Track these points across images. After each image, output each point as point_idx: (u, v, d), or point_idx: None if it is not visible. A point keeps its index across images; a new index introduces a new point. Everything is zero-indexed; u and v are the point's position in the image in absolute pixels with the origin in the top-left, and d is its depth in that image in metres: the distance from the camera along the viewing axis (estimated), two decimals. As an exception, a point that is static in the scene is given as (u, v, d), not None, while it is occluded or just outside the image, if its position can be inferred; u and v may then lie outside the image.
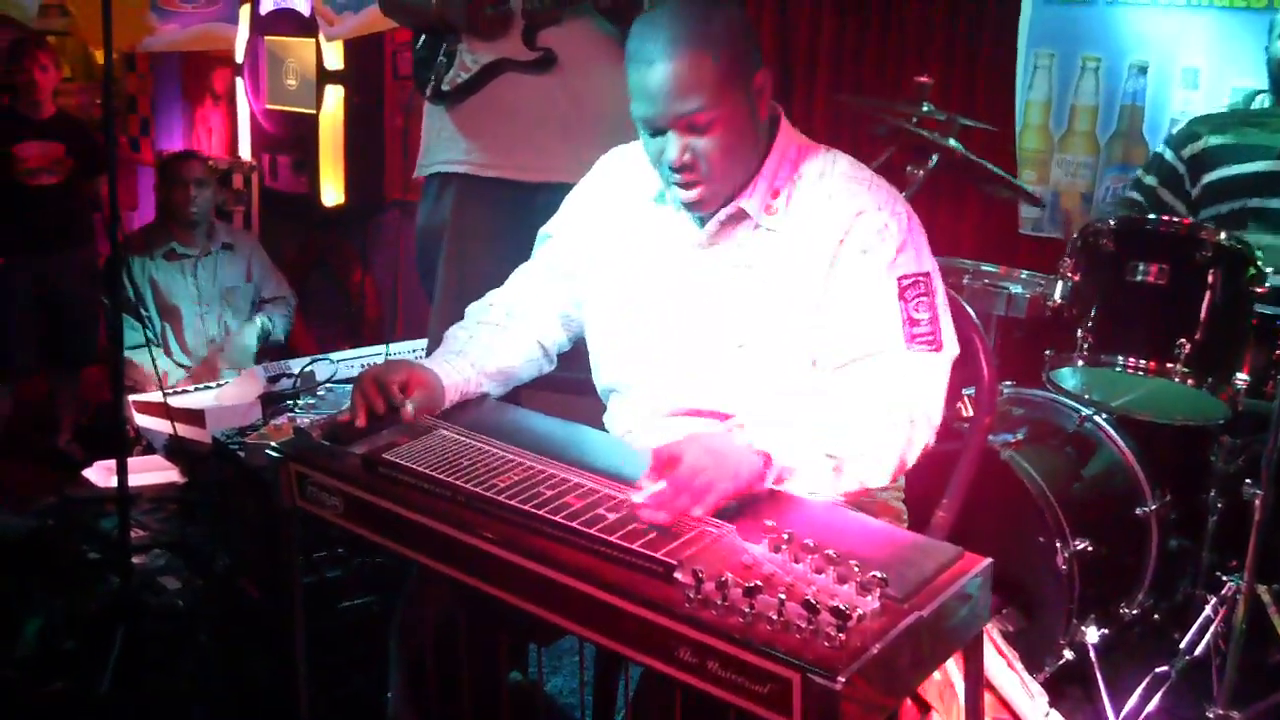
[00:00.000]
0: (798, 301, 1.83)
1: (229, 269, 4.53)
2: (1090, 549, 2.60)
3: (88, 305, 4.50)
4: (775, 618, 1.28)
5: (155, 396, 3.66)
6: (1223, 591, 2.66)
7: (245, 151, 5.96)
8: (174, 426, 3.38)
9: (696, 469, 1.51)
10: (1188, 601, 2.95)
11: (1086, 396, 2.90)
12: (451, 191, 2.98)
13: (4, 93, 4.64)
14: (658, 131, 1.79)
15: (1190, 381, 2.53)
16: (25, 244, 4.56)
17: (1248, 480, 2.59)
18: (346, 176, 5.48)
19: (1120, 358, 2.57)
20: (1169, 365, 2.52)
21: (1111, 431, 2.88)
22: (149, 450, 3.85)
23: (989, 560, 1.46)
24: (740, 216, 1.87)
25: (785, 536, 1.42)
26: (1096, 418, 2.89)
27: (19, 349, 4.68)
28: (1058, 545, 2.53)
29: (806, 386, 1.84)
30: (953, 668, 2.16)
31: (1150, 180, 3.25)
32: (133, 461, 3.30)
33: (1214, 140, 3.09)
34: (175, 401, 3.61)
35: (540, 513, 1.50)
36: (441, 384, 1.86)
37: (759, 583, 1.31)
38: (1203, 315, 2.55)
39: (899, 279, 1.80)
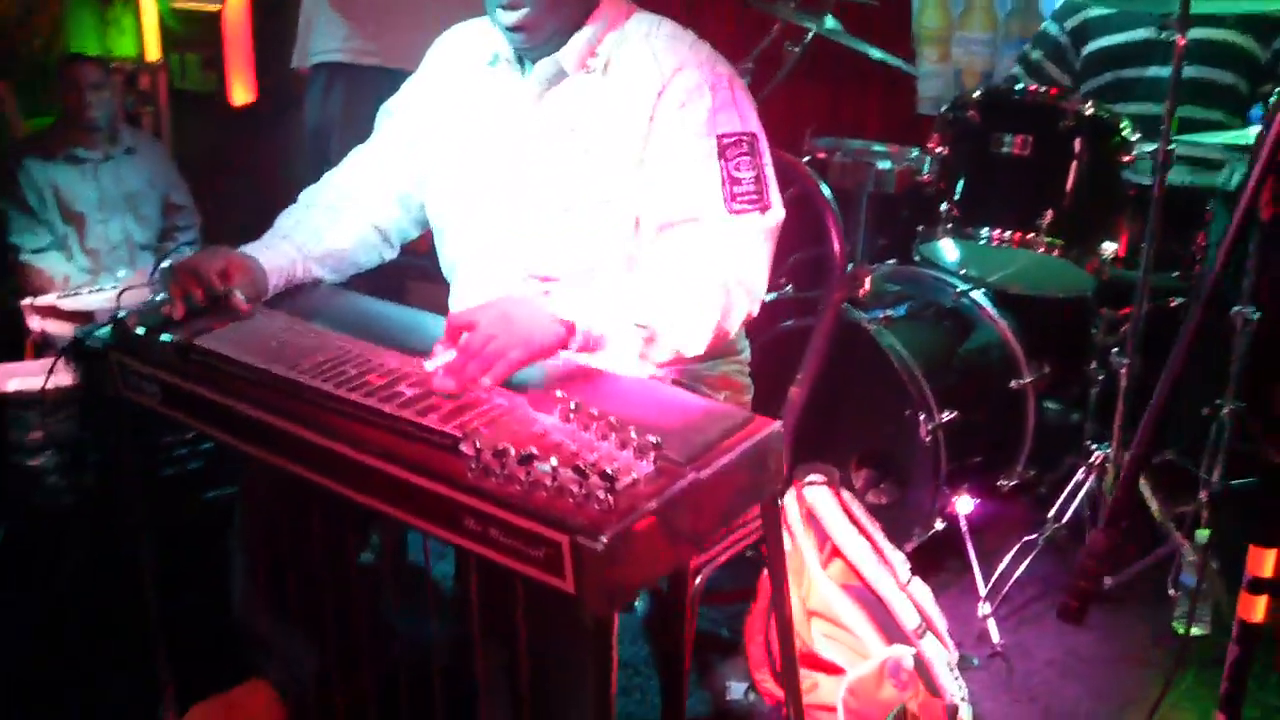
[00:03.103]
0: (619, 162, 1.82)
1: (132, 173, 4.41)
2: (959, 421, 2.61)
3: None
4: (550, 484, 1.29)
5: (49, 299, 3.63)
6: (1091, 460, 2.69)
7: (153, 51, 5.80)
8: (40, 329, 3.37)
9: (487, 336, 1.50)
10: (1072, 472, 3.00)
11: (963, 272, 2.90)
12: (340, 87, 2.91)
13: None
14: None
15: (1055, 253, 2.53)
16: None
17: (1114, 350, 2.61)
18: (255, 74, 5.36)
19: (985, 230, 2.57)
20: (1031, 237, 2.52)
21: (988, 306, 2.89)
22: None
23: (778, 423, 1.45)
24: (561, 75, 1.86)
25: (573, 405, 1.41)
26: (973, 293, 2.90)
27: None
28: (921, 418, 2.55)
29: (633, 250, 1.83)
30: (805, 542, 2.20)
31: (1036, 55, 3.23)
32: (33, 364, 3.30)
33: (1095, 11, 3.06)
34: (69, 304, 3.57)
35: (336, 390, 1.49)
36: (263, 269, 1.83)
37: (533, 450, 1.31)
38: (1068, 186, 2.55)
39: (719, 137, 1.78)
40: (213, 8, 5.30)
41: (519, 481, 1.30)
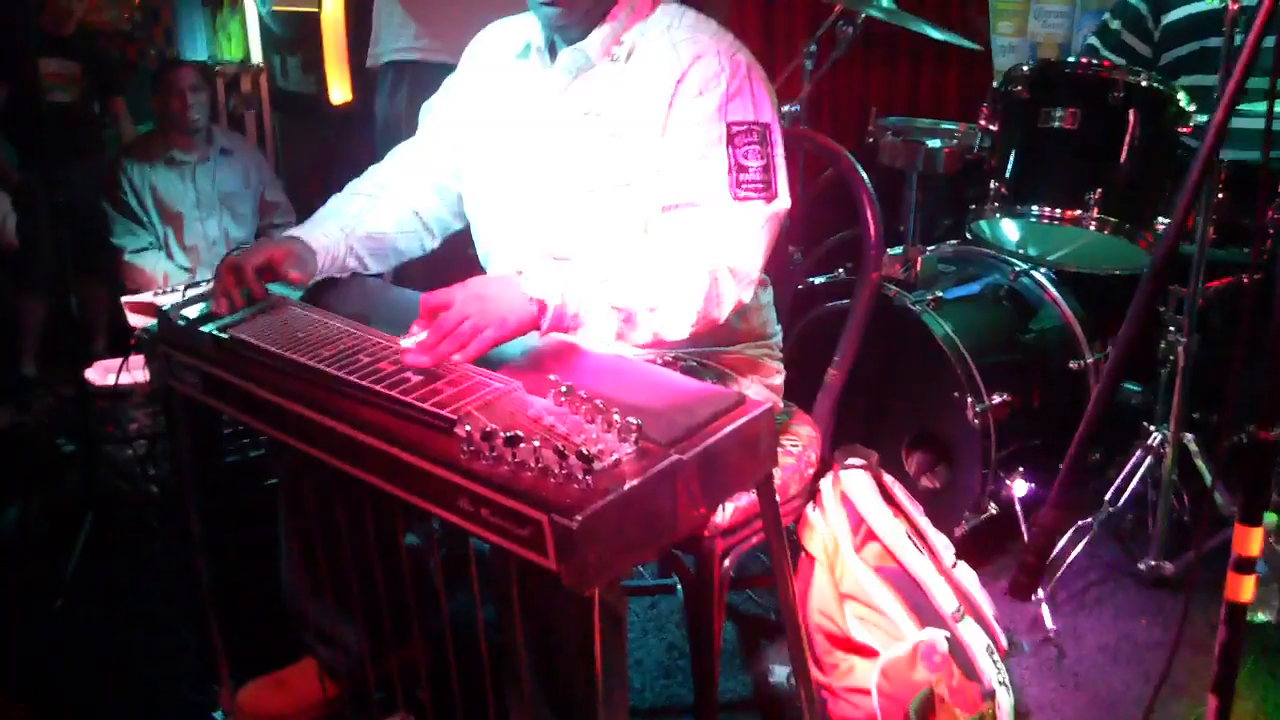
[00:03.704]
0: (640, 147, 1.85)
1: (228, 174, 4.58)
2: (1011, 403, 2.58)
3: (98, 213, 4.61)
4: (535, 465, 1.33)
5: (146, 297, 3.78)
6: (1148, 441, 2.62)
7: (256, 54, 6.01)
8: (138, 326, 3.49)
9: (461, 315, 1.54)
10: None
11: (1022, 250, 2.85)
12: (406, 84, 2.99)
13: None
14: None
15: (1106, 230, 2.48)
16: (40, 156, 4.68)
17: (1170, 328, 2.54)
18: (352, 74, 5.49)
19: (1035, 207, 2.53)
20: (1080, 214, 2.47)
21: (1048, 285, 2.84)
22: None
23: (770, 404, 1.47)
24: (587, 65, 1.91)
25: (564, 389, 1.45)
26: (1033, 272, 2.85)
27: (43, 259, 4.84)
28: (969, 400, 2.52)
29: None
30: (839, 524, 2.20)
31: (1115, 24, 3.15)
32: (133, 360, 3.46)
33: None
34: (165, 300, 3.72)
35: (346, 376, 1.55)
36: (311, 249, 1.91)
37: (519, 433, 1.35)
38: (1120, 159, 2.49)
39: (729, 124, 1.80)
40: (311, 9, 5.45)
41: (506, 462, 1.35)
